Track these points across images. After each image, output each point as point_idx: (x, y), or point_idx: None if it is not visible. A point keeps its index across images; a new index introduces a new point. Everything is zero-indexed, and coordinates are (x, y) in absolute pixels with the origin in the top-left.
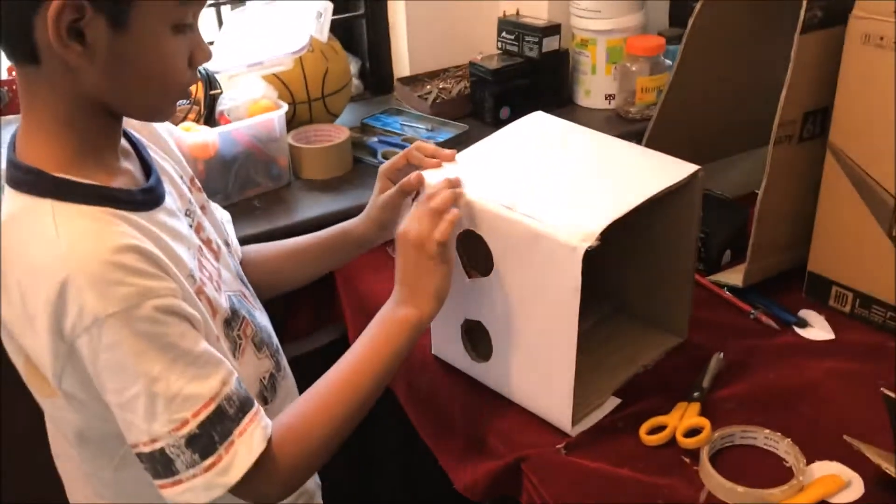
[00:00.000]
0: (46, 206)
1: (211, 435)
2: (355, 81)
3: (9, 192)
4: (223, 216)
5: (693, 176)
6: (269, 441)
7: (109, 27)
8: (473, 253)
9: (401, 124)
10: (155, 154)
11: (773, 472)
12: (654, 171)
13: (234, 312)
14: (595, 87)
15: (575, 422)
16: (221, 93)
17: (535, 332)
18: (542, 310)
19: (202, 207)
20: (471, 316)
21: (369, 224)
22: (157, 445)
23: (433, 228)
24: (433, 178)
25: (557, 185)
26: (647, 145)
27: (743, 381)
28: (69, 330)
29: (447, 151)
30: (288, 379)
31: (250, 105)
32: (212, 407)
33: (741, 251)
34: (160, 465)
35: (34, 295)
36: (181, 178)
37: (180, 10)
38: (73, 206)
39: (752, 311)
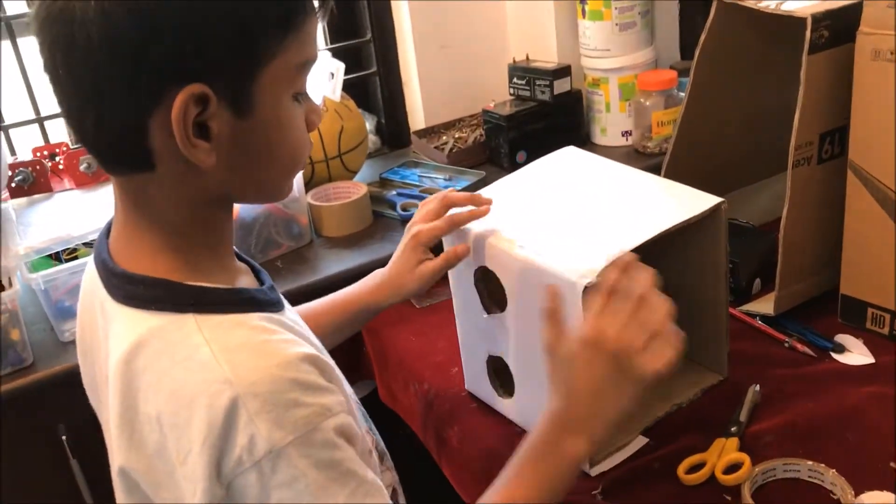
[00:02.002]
0: (189, 322)
1: None
2: (372, 137)
3: (126, 312)
4: None
5: (716, 208)
6: None
7: (233, 114)
8: (493, 288)
9: (419, 176)
10: None
11: None
12: (674, 205)
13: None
14: (611, 125)
15: (596, 462)
16: None
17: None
18: None
19: None
20: (493, 352)
21: (393, 291)
22: None
23: (643, 342)
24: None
25: (572, 221)
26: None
27: (781, 412)
28: (232, 466)
29: (481, 197)
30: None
31: None
32: None
33: (770, 279)
34: None
35: (185, 432)
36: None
37: (300, 78)
38: (219, 317)
39: (787, 340)
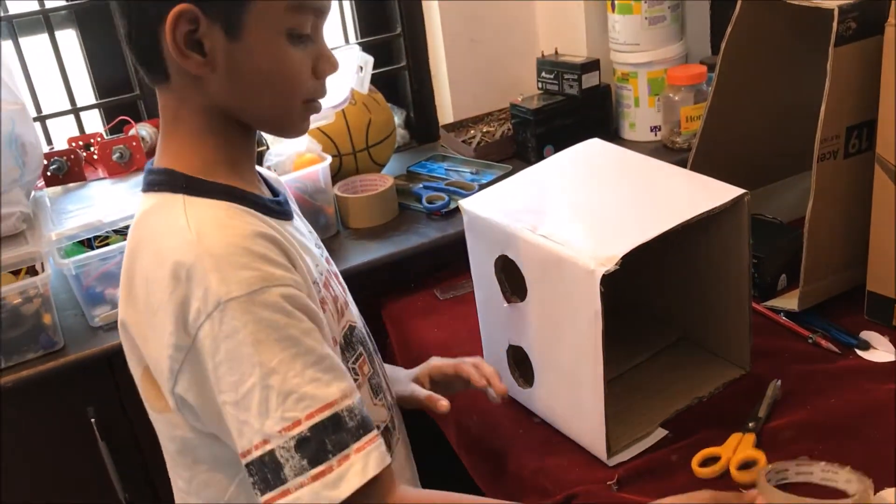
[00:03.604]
0: (178, 200)
1: (323, 442)
2: (402, 131)
3: (142, 196)
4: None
5: (738, 200)
6: (388, 471)
7: (225, 36)
8: (512, 277)
9: (445, 169)
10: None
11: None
12: (696, 196)
13: (351, 342)
14: (640, 120)
15: (616, 451)
16: (267, 149)
17: (566, 357)
18: (569, 334)
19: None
20: (513, 341)
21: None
22: (268, 447)
23: None
24: None
25: (594, 210)
26: None
27: (802, 408)
28: (194, 317)
29: (501, 385)
30: (404, 446)
31: (295, 159)
32: (327, 413)
33: (797, 275)
34: (270, 471)
35: (160, 285)
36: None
37: (293, 18)
38: (205, 199)
39: (811, 336)
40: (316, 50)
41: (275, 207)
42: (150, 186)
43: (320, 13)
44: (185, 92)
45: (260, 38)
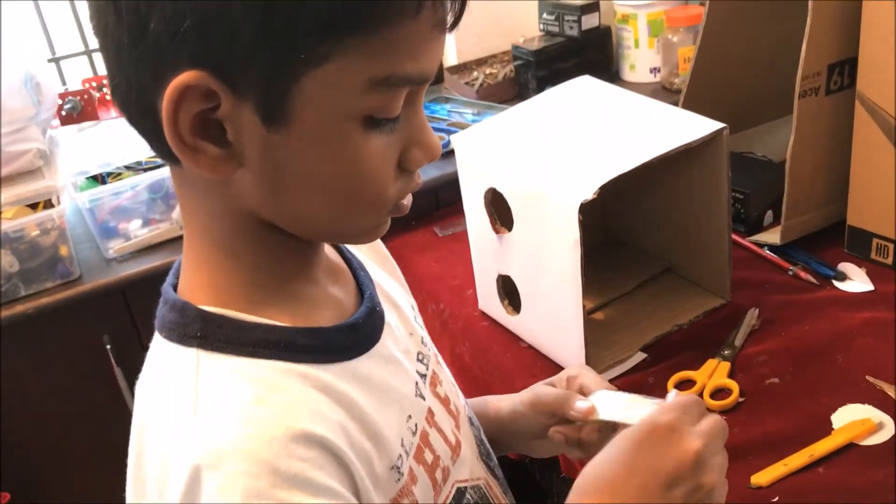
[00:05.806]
0: (190, 358)
1: None
2: None
3: (155, 337)
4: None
5: (717, 134)
6: None
7: (262, 122)
8: (501, 209)
9: (448, 111)
10: (377, 276)
11: None
12: (678, 131)
13: None
14: (639, 62)
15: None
16: None
17: (550, 285)
18: (552, 263)
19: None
20: (502, 271)
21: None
22: None
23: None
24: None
25: (578, 145)
26: None
27: (777, 335)
28: None
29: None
30: None
31: None
32: None
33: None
34: None
35: (168, 490)
36: (412, 308)
37: (376, 97)
38: (227, 358)
39: (791, 268)
40: (407, 131)
41: (336, 344)
42: (159, 326)
43: (422, 81)
44: (202, 186)
45: (317, 127)
